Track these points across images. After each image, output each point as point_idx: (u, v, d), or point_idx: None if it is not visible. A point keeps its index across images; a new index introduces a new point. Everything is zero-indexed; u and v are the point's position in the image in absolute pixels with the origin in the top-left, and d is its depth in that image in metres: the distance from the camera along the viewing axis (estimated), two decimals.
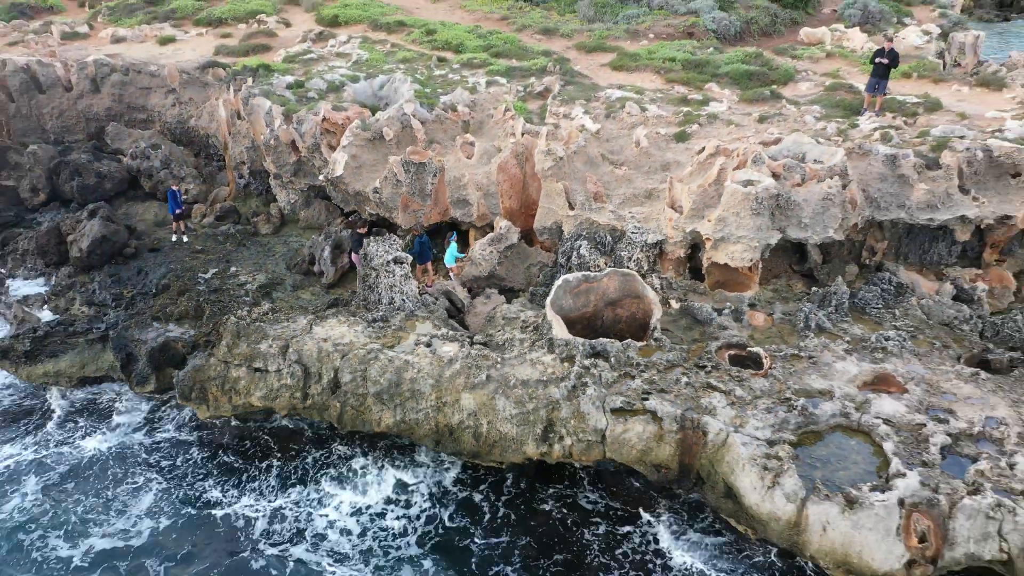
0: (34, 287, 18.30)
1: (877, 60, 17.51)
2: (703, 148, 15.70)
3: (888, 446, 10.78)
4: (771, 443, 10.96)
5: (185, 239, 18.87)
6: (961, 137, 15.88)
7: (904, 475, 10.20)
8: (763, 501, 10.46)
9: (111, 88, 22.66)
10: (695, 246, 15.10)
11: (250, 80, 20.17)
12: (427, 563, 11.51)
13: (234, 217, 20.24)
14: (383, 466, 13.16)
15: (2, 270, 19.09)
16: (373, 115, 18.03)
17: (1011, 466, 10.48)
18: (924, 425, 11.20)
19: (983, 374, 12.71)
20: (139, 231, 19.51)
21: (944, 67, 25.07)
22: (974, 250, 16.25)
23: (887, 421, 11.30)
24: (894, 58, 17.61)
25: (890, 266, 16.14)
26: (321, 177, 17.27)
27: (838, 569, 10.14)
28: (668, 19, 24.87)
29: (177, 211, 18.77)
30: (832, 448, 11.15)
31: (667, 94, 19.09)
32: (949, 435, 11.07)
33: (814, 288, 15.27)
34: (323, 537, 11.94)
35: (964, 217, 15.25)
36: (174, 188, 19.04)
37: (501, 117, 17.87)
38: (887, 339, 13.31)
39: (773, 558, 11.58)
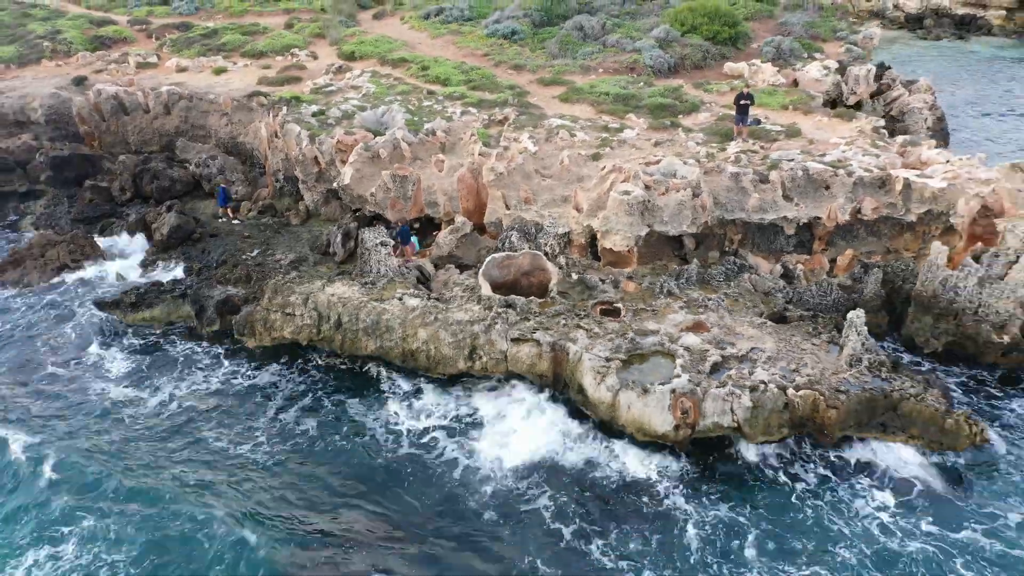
0: (130, 262, 25.47)
1: (740, 102, 23.89)
2: (604, 167, 22.31)
3: (679, 361, 17.36)
4: (608, 359, 17.59)
5: (235, 222, 25.76)
6: (790, 160, 22.25)
7: (679, 376, 16.79)
8: (595, 392, 17.12)
9: (179, 111, 29.85)
10: (593, 236, 21.70)
11: (284, 108, 27.15)
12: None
13: (272, 212, 27.25)
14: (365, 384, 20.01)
15: (103, 247, 26.30)
16: (375, 137, 24.87)
17: (750, 373, 17.01)
18: (708, 351, 17.74)
19: (769, 323, 19.20)
20: (202, 221, 26.62)
21: (842, 96, 31.37)
22: (807, 241, 22.67)
23: (686, 348, 17.86)
24: (751, 99, 23.99)
25: (743, 252, 22.61)
26: (335, 184, 24.19)
27: (638, 432, 16.77)
28: (617, 55, 31.38)
29: (227, 203, 25.68)
30: (649, 363, 17.72)
31: (595, 123, 25.68)
32: (722, 357, 17.60)
33: (692, 266, 21.80)
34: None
35: (786, 217, 21.67)
36: (223, 186, 26.02)
37: (468, 140, 24.62)
38: (709, 300, 19.84)
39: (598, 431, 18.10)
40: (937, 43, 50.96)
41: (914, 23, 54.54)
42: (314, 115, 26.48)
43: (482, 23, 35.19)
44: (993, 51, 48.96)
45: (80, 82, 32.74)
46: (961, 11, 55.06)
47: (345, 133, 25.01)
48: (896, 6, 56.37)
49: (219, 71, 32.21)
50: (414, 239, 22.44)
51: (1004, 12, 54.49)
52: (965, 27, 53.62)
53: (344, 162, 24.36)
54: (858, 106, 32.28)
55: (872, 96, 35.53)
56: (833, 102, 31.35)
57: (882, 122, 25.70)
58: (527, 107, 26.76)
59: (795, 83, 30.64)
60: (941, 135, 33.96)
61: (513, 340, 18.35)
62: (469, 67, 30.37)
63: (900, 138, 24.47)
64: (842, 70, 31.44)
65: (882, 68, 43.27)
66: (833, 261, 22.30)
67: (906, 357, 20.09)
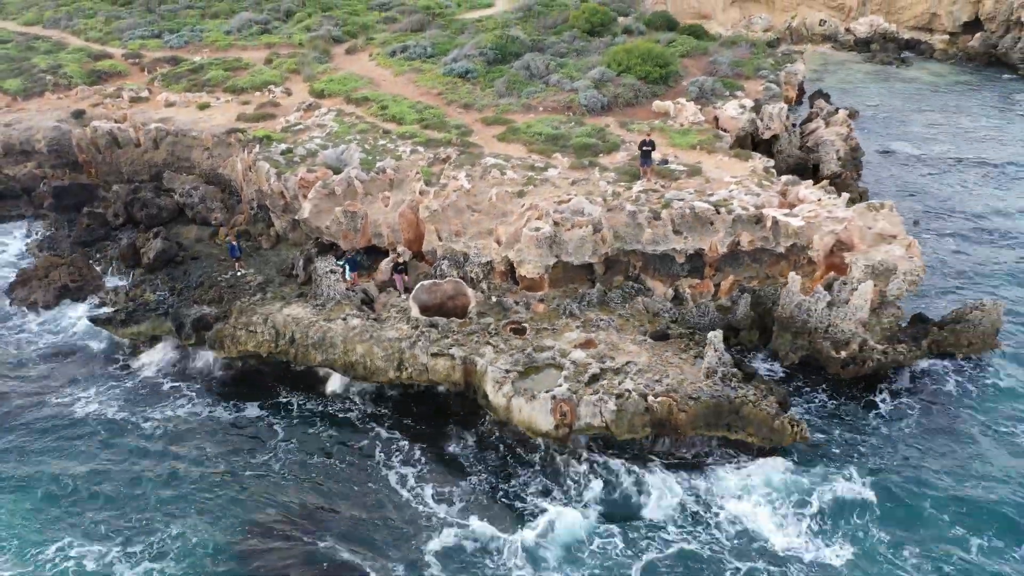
0: (118, 281, 29.65)
1: (643, 148, 27.95)
2: (524, 205, 26.44)
3: (564, 373, 21.50)
4: (507, 371, 21.72)
5: (240, 272, 28.62)
6: (681, 199, 26.30)
7: (560, 385, 20.94)
8: (494, 398, 21.28)
9: (166, 146, 34.03)
10: (511, 264, 25.80)
11: (257, 147, 31.29)
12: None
13: (247, 236, 31.37)
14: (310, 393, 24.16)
15: (98, 269, 30.48)
16: (333, 175, 28.94)
17: (620, 383, 21.15)
18: (590, 364, 21.87)
19: (649, 340, 23.31)
20: (184, 246, 30.79)
21: (757, 131, 35.40)
22: (700, 267, 26.74)
23: (572, 362, 21.99)
24: (653, 146, 28.05)
25: (644, 277, 26.71)
26: (297, 216, 28.36)
27: (528, 430, 20.92)
28: (557, 95, 35.44)
29: (237, 255, 28.66)
30: (542, 374, 21.85)
31: (524, 161, 29.75)
32: (601, 369, 21.72)
33: (594, 290, 25.90)
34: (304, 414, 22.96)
35: (675, 248, 25.76)
36: (233, 243, 29.29)
37: (412, 178, 28.74)
38: (603, 320, 23.97)
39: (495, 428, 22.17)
40: (882, 67, 54.86)
41: (862, 46, 58.41)
42: (282, 153, 30.59)
43: (442, 60, 39.23)
44: (932, 78, 52.83)
45: (79, 115, 36.93)
46: (907, 35, 58.99)
47: (307, 171, 29.13)
48: (847, 30, 60.30)
49: (203, 106, 36.35)
50: (348, 267, 26.17)
51: (947, 37, 58.46)
52: (910, 50, 57.49)
53: (306, 197, 28.47)
54: (774, 139, 36.43)
55: (793, 126, 39.72)
56: (750, 137, 35.50)
57: (771, 163, 29.72)
58: (468, 146, 30.84)
59: (716, 120, 34.70)
60: (854, 165, 38.12)
61: (432, 355, 22.50)
62: (423, 106, 34.45)
63: (784, 177, 28.54)
64: (758, 108, 35.44)
65: (819, 95, 47.57)
66: (718, 285, 26.40)
67: (772, 367, 24.25)
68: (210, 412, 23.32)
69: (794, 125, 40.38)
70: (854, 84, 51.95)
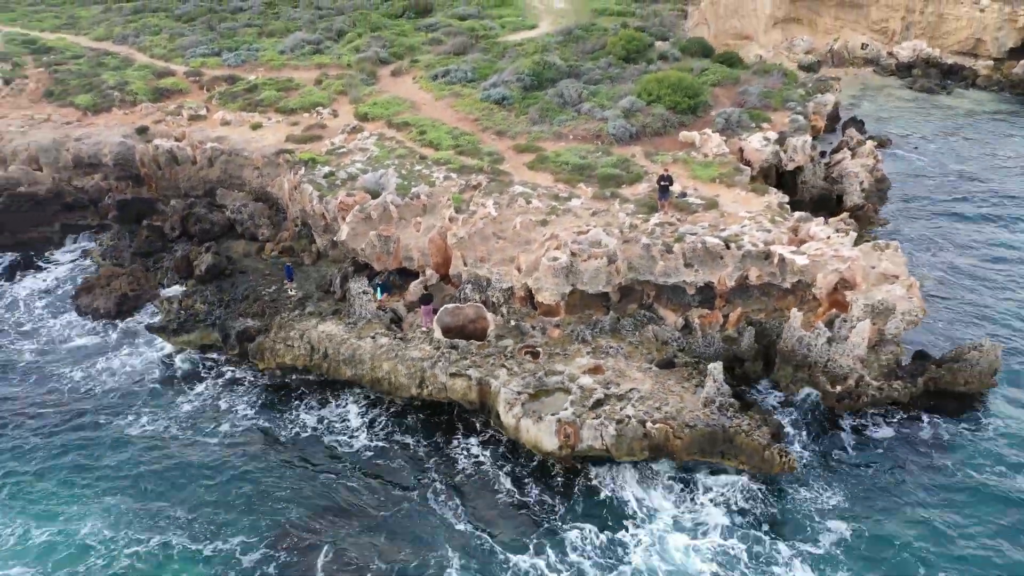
0: (173, 291, 32.39)
1: (661, 183, 29.57)
2: (546, 235, 28.31)
3: (571, 397, 23.34)
4: (519, 393, 23.64)
5: (291, 292, 31.15)
6: (694, 234, 27.86)
7: (566, 409, 22.79)
8: (505, 417, 23.22)
9: (220, 164, 36.77)
10: (530, 290, 27.70)
11: (303, 169, 33.76)
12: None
13: (291, 252, 33.88)
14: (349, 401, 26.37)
15: (156, 279, 33.27)
16: (371, 199, 31.19)
17: (622, 409, 22.90)
18: (595, 390, 23.66)
19: (655, 368, 24.98)
20: (233, 260, 33.42)
21: (780, 163, 36.67)
22: (711, 298, 28.27)
23: (580, 387, 23.81)
24: (671, 181, 29.65)
25: (656, 306, 28.36)
26: (334, 238, 30.71)
27: (534, 449, 22.81)
28: (587, 123, 37.20)
29: (290, 277, 31.15)
30: (552, 397, 23.72)
31: (550, 191, 31.60)
32: (605, 395, 23.50)
33: (607, 317, 27.64)
34: (329, 429, 25.22)
35: (685, 281, 27.36)
36: (289, 265, 31.81)
37: (444, 204, 30.85)
38: (612, 347, 25.73)
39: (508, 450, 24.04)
40: (921, 93, 55.25)
41: (904, 71, 58.77)
42: (325, 176, 32.99)
43: (481, 85, 41.29)
44: (972, 106, 53.09)
45: (143, 131, 39.93)
46: (951, 60, 59.14)
47: (347, 194, 31.47)
48: (890, 54, 60.69)
49: (255, 126, 39.03)
50: (380, 288, 28.48)
51: (992, 62, 58.47)
52: (952, 75, 57.66)
53: (344, 219, 30.79)
54: (798, 170, 37.62)
55: (822, 154, 40.85)
56: (775, 168, 36.77)
57: (786, 199, 31.05)
58: (499, 174, 32.81)
59: (740, 151, 36.07)
60: (878, 196, 39.14)
61: (451, 374, 24.57)
62: (460, 132, 36.54)
63: (797, 214, 29.87)
64: (782, 140, 36.67)
65: (853, 123, 48.41)
66: (727, 316, 27.90)
67: (776, 396, 25.74)
68: (248, 417, 25.72)
69: (822, 153, 41.55)
70: (891, 111, 52.57)
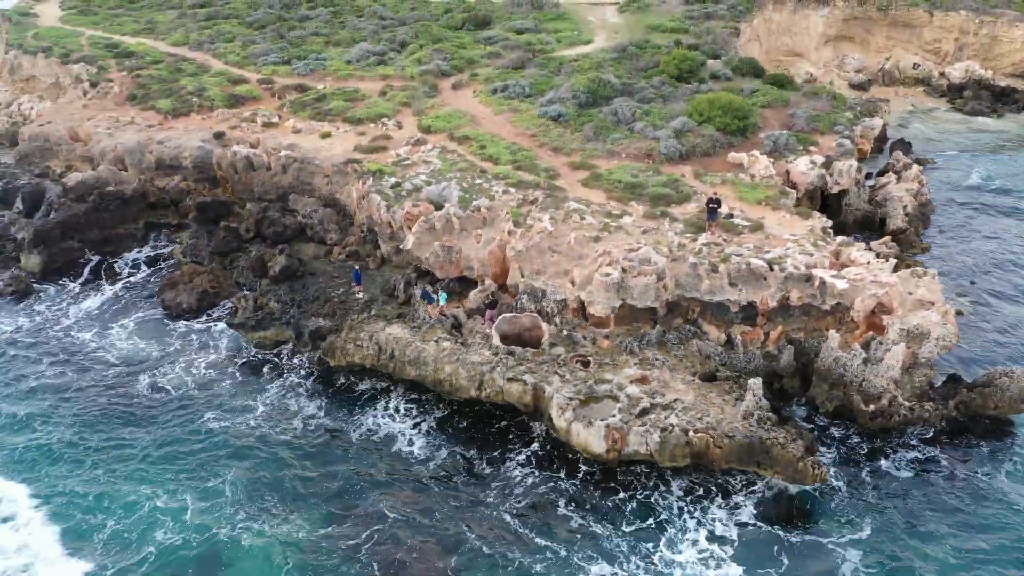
0: (248, 291, 35.06)
1: (709, 205, 31.34)
2: (599, 251, 30.30)
3: (619, 405, 25.34)
4: (570, 398, 25.71)
5: (359, 295, 33.78)
6: (739, 255, 29.60)
7: (615, 415, 24.80)
8: (558, 421, 25.31)
9: (293, 171, 39.42)
10: (582, 303, 29.72)
11: (370, 179, 36.20)
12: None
13: (357, 256, 36.36)
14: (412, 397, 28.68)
15: (233, 277, 35.98)
16: (435, 210, 33.47)
17: (666, 418, 24.84)
18: (641, 399, 25.62)
19: (698, 381, 26.85)
20: (304, 262, 36.01)
21: (826, 186, 38.15)
22: (753, 316, 30.01)
23: (627, 395, 25.79)
24: (719, 203, 31.41)
25: (701, 321, 30.18)
26: (401, 245, 33.07)
27: (583, 451, 24.87)
28: (640, 142, 39.06)
29: (358, 280, 33.74)
30: (601, 404, 25.74)
31: (603, 208, 33.56)
32: (651, 404, 25.45)
33: (654, 331, 29.56)
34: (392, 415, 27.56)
35: (729, 299, 29.14)
36: (357, 269, 34.37)
37: (503, 217, 33.02)
38: (658, 359, 27.64)
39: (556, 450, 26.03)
40: (971, 116, 55.92)
41: (955, 92, 59.42)
42: (392, 187, 35.37)
43: (537, 101, 43.36)
44: (1021, 130, 53.68)
45: (220, 136, 42.78)
46: (1003, 83, 59.60)
47: (413, 205, 33.81)
48: (942, 74, 61.35)
49: (325, 135, 41.61)
50: (443, 296, 30.77)
51: None
52: (1004, 97, 58.17)
53: (410, 228, 33.14)
54: (843, 193, 39.06)
55: (868, 176, 42.19)
56: (820, 191, 38.27)
57: (829, 223, 32.58)
58: (554, 189, 34.86)
59: (787, 173, 37.65)
60: (921, 220, 40.37)
61: (508, 379, 26.72)
62: (517, 147, 38.66)
63: (839, 239, 31.42)
64: (828, 163, 38.13)
65: (900, 145, 49.49)
66: (767, 334, 29.62)
67: (806, 412, 27.43)
68: (320, 412, 28.19)
69: (868, 175, 42.89)
70: (939, 132, 53.44)
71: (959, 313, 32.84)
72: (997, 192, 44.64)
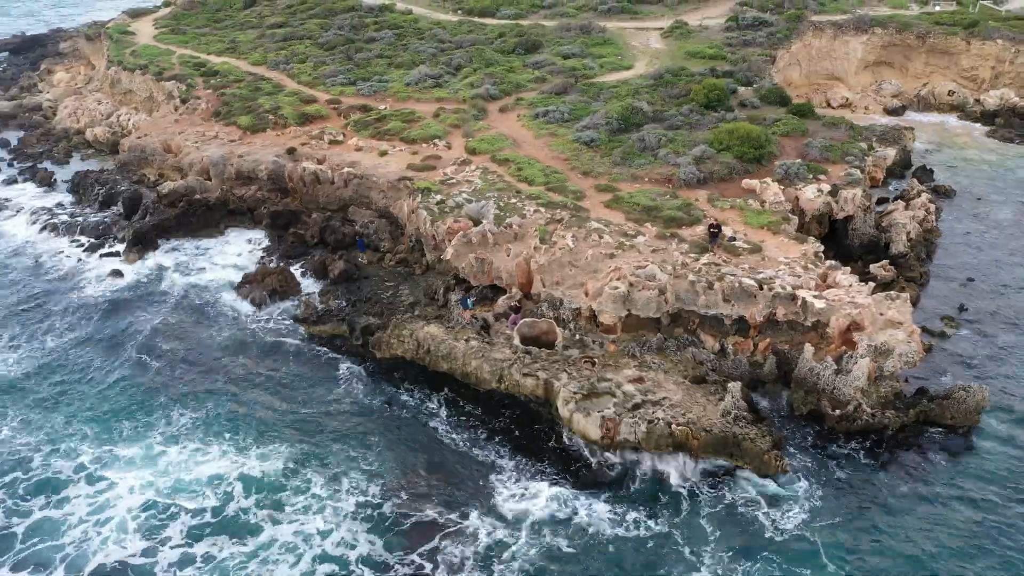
0: (312, 289, 41.01)
1: (711, 229, 35.84)
2: (612, 267, 35.14)
3: (614, 400, 30.20)
4: (574, 392, 30.68)
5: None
6: (733, 275, 34.05)
7: (609, 408, 29.67)
8: (562, 411, 30.32)
9: (353, 186, 45.30)
10: (593, 312, 34.59)
11: (419, 196, 41.75)
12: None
13: (405, 263, 41.97)
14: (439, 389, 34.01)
15: (299, 278, 42.00)
16: (473, 226, 38.76)
17: (653, 412, 29.60)
18: (635, 395, 30.42)
19: (687, 383, 31.49)
20: (359, 267, 41.79)
21: (832, 212, 42.15)
22: (746, 328, 34.42)
23: (623, 392, 30.61)
24: (720, 228, 35.89)
25: (700, 331, 34.75)
26: (442, 256, 38.51)
27: (582, 437, 29.83)
28: (662, 167, 43.66)
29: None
30: (601, 398, 30.62)
31: (620, 228, 38.34)
32: (642, 400, 30.22)
33: (655, 338, 34.26)
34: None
35: (722, 313, 33.65)
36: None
37: (531, 234, 38.12)
38: (655, 363, 32.37)
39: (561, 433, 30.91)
40: (1001, 144, 58.55)
41: (988, 119, 62.02)
42: (436, 204, 40.86)
43: (574, 126, 48.30)
44: None
45: (292, 152, 48.99)
46: None
47: (454, 221, 39.20)
48: (977, 101, 63.96)
49: (382, 153, 47.41)
50: (469, 301, 36.15)
51: None
52: None
53: (450, 241, 38.52)
54: (849, 218, 42.92)
55: (877, 203, 45.83)
56: (827, 216, 42.28)
57: (821, 248, 36.69)
58: (579, 210, 39.79)
59: (796, 199, 41.80)
60: (925, 246, 43.95)
61: (524, 374, 31.82)
62: (551, 170, 43.69)
63: (828, 262, 35.55)
64: (835, 191, 42.09)
65: (922, 171, 52.83)
66: (756, 344, 34.02)
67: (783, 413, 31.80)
68: (368, 394, 33.79)
69: (880, 201, 46.58)
70: (967, 159, 56.25)
71: (941, 334, 36.79)
72: (1012, 222, 47.43)
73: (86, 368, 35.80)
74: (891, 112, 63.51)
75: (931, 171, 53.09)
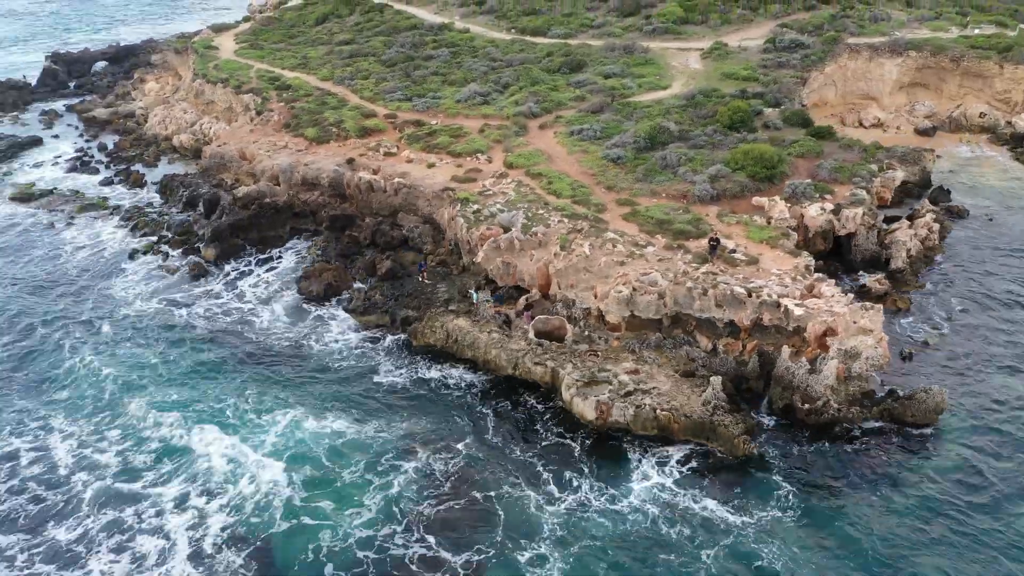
0: (362, 284, 47.34)
1: (711, 242, 40.67)
2: (621, 273, 40.35)
3: (610, 387, 35.41)
4: (577, 380, 36.03)
5: (426, 281, 45.96)
6: (726, 283, 38.80)
7: (604, 394, 34.95)
8: (565, 395, 35.73)
9: (403, 195, 51.52)
10: (600, 311, 39.82)
11: (459, 205, 47.63)
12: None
13: (444, 264, 47.92)
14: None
15: (351, 274, 48.39)
16: (502, 233, 44.39)
17: (642, 399, 34.72)
18: (628, 384, 35.59)
19: (678, 376, 36.48)
20: (404, 266, 47.93)
21: (834, 229, 46.42)
22: (737, 330, 39.16)
23: (619, 381, 35.80)
24: (718, 241, 40.70)
25: (696, 332, 39.64)
26: (474, 259, 44.32)
27: (580, 417, 35.17)
28: (679, 184, 48.51)
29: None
30: (599, 386, 35.87)
31: (633, 239, 43.44)
32: (634, 388, 35.37)
33: (654, 336, 39.31)
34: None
35: (714, 316, 38.48)
36: (422, 263, 46.36)
37: (553, 241, 43.58)
38: (650, 357, 37.46)
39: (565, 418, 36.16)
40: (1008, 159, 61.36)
41: (1018, 141, 64.69)
42: (473, 212, 46.66)
43: (605, 143, 53.48)
44: None
45: (351, 162, 55.52)
46: None
47: (487, 228, 44.96)
48: (1008, 123, 66.60)
49: (430, 165, 53.49)
50: (490, 298, 41.85)
51: None
52: None
53: (481, 247, 44.26)
54: (851, 235, 47.06)
55: (884, 221, 49.74)
56: (831, 233, 46.54)
57: (812, 261, 41.13)
58: (599, 222, 45.04)
59: (802, 217, 46.21)
60: (924, 263, 47.78)
61: (535, 363, 37.32)
62: (578, 184, 49.00)
63: (816, 275, 40.00)
64: (838, 210, 46.30)
65: (940, 191, 56.30)
66: (744, 345, 38.75)
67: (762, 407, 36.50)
68: (403, 374, 39.78)
69: (887, 220, 50.43)
70: (988, 181, 59.19)
71: (925, 343, 40.83)
72: (1018, 241, 50.55)
73: (192, 354, 42.74)
74: (922, 133, 66.61)
75: (948, 192, 56.40)
